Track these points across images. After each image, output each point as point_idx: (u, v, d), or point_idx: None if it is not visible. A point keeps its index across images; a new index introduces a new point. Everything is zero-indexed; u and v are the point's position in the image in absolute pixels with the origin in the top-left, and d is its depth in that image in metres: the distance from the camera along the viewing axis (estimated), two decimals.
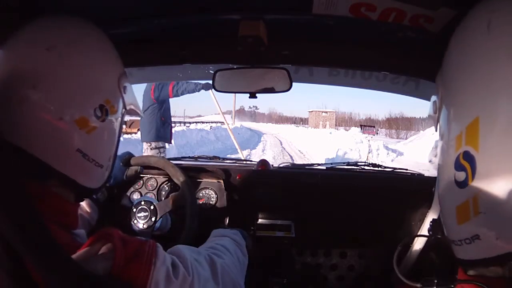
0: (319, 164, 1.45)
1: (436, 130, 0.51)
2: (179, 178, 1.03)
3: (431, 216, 1.07)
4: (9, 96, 0.46)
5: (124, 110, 0.60)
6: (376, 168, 1.37)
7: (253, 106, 64.93)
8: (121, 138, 0.62)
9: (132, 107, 0.62)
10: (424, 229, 1.08)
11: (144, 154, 2.92)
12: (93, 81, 0.52)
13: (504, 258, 0.38)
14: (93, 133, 0.51)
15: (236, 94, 1.95)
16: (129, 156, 1.09)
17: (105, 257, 0.42)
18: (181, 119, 23.16)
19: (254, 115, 66.51)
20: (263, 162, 1.31)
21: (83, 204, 0.83)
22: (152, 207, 0.99)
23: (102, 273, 0.40)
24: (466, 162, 0.40)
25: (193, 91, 3.06)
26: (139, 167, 1.13)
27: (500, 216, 0.37)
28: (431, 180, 1.09)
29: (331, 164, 1.48)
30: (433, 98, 0.51)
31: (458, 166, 0.41)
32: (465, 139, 0.40)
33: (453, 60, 0.46)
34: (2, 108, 0.46)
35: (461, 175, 0.40)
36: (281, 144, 13.62)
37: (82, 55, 0.51)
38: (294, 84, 0.90)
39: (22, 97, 0.46)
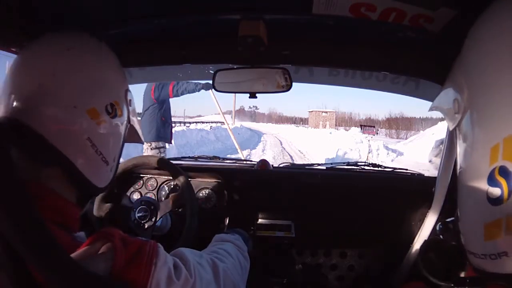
0: (319, 164, 1.45)
1: (451, 128, 0.48)
2: (179, 178, 1.03)
3: (431, 216, 1.07)
4: (29, 83, 0.50)
5: (128, 124, 0.64)
6: (376, 168, 1.37)
7: (253, 106, 64.87)
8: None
9: (134, 121, 0.66)
10: (425, 229, 1.08)
11: (144, 154, 2.92)
12: (104, 81, 0.57)
13: None
14: (102, 125, 0.55)
15: (236, 94, 1.95)
16: None
17: (105, 257, 0.41)
18: (181, 119, 23.12)
19: (254, 115, 66.39)
20: (263, 162, 1.31)
21: None
22: (152, 207, 0.99)
23: (102, 273, 0.40)
24: (502, 178, 0.36)
25: (193, 91, 3.06)
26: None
27: None
28: (431, 180, 1.09)
29: (331, 164, 1.48)
30: (454, 95, 0.46)
31: (492, 182, 0.37)
32: (503, 152, 0.36)
33: (484, 62, 0.42)
34: (21, 92, 0.50)
35: (495, 192, 0.37)
36: (281, 144, 13.60)
37: (96, 58, 0.58)
38: (294, 84, 0.90)
39: (41, 84, 0.50)
